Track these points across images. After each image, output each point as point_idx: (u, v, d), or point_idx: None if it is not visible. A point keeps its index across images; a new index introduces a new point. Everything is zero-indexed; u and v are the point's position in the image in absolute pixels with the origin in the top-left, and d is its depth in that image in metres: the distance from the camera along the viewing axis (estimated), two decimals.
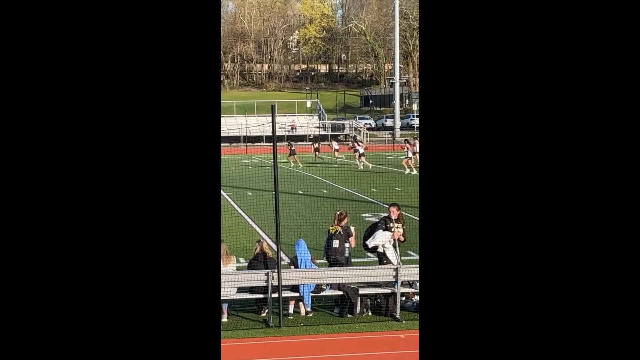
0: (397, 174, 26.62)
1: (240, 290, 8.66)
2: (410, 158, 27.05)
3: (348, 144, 30.40)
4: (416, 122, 51.47)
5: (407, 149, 27.70)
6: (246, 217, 16.35)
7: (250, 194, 20.50)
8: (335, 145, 34.44)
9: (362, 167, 29.27)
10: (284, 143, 37.34)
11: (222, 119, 52.81)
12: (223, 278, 8.48)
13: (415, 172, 25.58)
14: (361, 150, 30.15)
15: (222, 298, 8.50)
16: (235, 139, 45.66)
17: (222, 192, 21.20)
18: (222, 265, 8.67)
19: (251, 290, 8.65)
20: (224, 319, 8.47)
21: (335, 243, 9.03)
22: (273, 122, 8.46)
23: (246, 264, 9.81)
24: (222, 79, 75.88)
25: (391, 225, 9.05)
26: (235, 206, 18.25)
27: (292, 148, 31.98)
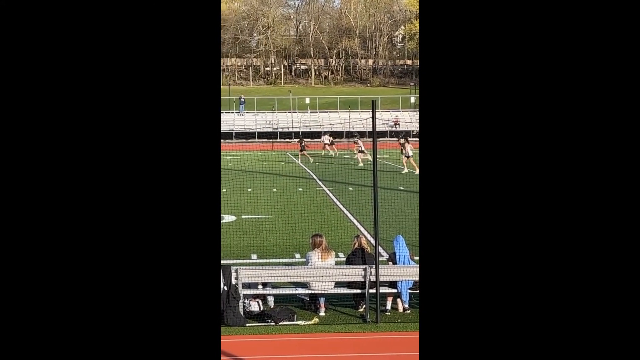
0: None
1: (338, 284, 8.71)
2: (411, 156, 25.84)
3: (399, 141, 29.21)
4: None
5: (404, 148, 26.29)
6: (346, 212, 16.42)
7: (351, 189, 20.57)
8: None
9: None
10: (386, 139, 36.94)
11: (325, 114, 53.04)
12: (321, 272, 8.57)
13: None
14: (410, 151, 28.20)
15: (320, 292, 8.60)
16: (338, 134, 46.00)
17: (323, 186, 21.42)
18: (320, 260, 8.76)
19: (349, 285, 8.68)
20: (322, 313, 8.56)
21: None
22: (373, 117, 8.46)
23: (344, 259, 9.86)
24: (326, 74, 76.58)
25: None
26: (336, 201, 18.38)
27: (303, 144, 31.96)
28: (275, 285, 8.82)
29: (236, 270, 8.47)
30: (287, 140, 41.04)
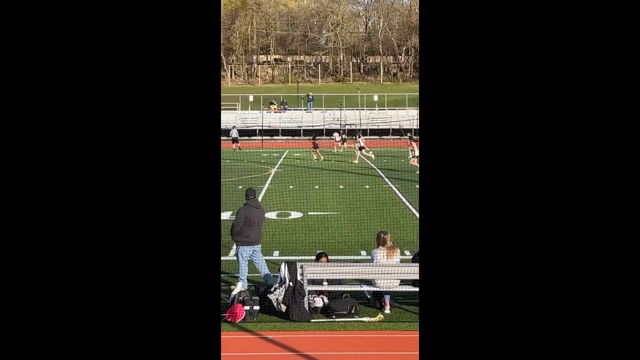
0: None
1: (404, 282, 8.67)
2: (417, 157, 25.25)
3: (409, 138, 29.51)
4: None
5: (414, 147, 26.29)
6: (413, 209, 16.29)
7: (418, 186, 20.35)
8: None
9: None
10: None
11: (394, 111, 52.59)
12: (386, 270, 8.55)
13: None
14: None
15: (385, 290, 8.57)
16: (407, 131, 45.72)
17: (390, 184, 21.32)
18: (386, 257, 8.74)
19: (414, 283, 8.62)
20: (387, 311, 8.54)
21: None
22: None
23: (410, 257, 9.79)
24: (395, 71, 76.01)
25: None
26: (403, 198, 18.26)
27: (316, 142, 32.28)
28: (340, 282, 8.85)
29: (302, 267, 8.55)
30: (351, 137, 41.05)
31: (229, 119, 46.64)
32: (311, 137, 35.13)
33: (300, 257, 10.75)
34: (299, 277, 8.49)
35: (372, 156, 30.11)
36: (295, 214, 15.72)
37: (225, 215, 15.05)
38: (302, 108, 53.47)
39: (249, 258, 9.46)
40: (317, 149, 31.90)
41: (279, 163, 29.78)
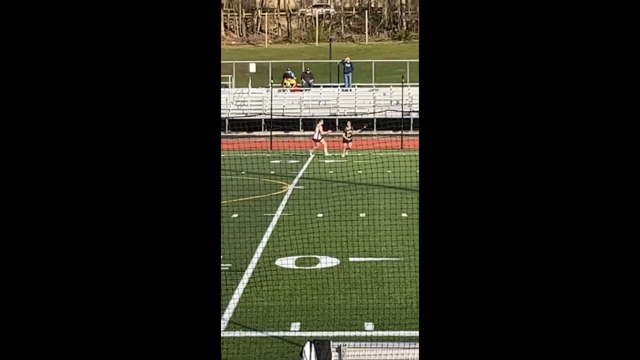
0: None
1: None
2: None
3: None
4: None
5: None
6: None
7: None
8: None
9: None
10: None
11: None
12: None
13: None
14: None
15: None
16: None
17: None
18: None
19: None
20: None
21: None
22: None
23: None
24: None
25: None
26: None
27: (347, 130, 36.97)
28: None
29: (339, 349, 8.56)
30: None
31: None
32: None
33: (336, 333, 10.76)
34: None
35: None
36: (327, 261, 15.69)
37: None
38: (338, 84, 53.16)
39: None
40: (349, 143, 32.42)
41: (300, 175, 29.72)
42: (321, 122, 39.96)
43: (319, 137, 37.95)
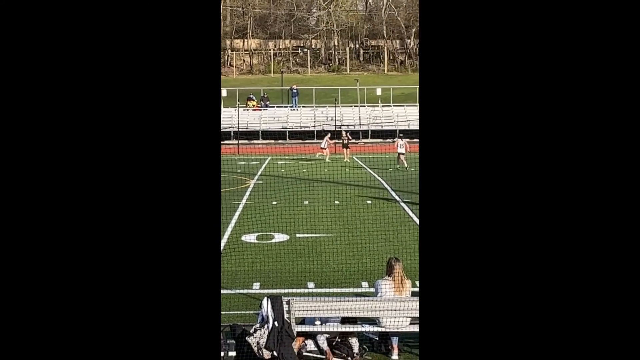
0: None
1: (415, 321, 8.64)
2: None
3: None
4: None
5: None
6: None
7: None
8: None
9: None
10: None
11: (401, 108, 52.58)
12: (393, 305, 8.52)
13: None
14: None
15: (392, 330, 8.54)
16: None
17: (397, 198, 21.35)
18: (393, 290, 8.72)
19: None
20: (394, 357, 8.50)
21: None
22: None
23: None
24: (402, 59, 76.37)
25: None
26: (414, 217, 18.29)
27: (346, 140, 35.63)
28: (335, 320, 8.82)
29: (288, 302, 8.51)
30: (355, 141, 41.39)
31: None
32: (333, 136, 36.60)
33: (286, 290, 10.73)
34: (285, 316, 8.45)
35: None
36: (279, 237, 15.71)
37: None
38: (287, 105, 53.58)
39: None
40: (348, 149, 32.86)
41: (260, 173, 29.83)
42: (329, 135, 39.25)
43: (325, 146, 37.89)
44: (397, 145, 33.14)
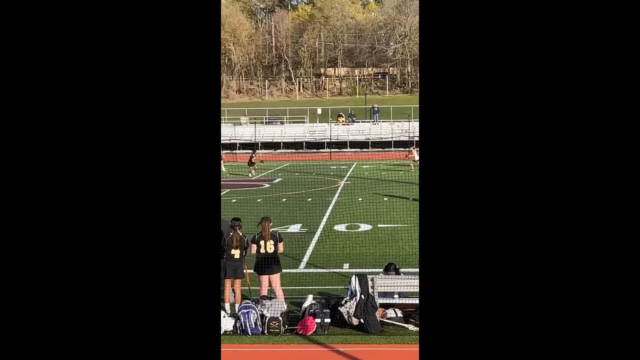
0: None
1: None
2: None
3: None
4: None
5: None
6: None
7: None
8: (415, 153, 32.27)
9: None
10: None
11: None
12: None
13: None
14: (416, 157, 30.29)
15: None
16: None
17: None
18: None
19: None
20: None
21: None
22: None
23: None
24: None
25: None
26: None
27: (253, 156, 32.03)
28: (410, 295, 8.80)
29: (372, 279, 8.55)
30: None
31: (297, 131, 47.29)
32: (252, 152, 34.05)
33: (370, 270, 10.75)
34: (370, 290, 8.49)
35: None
36: (364, 227, 15.71)
37: (295, 228, 15.21)
38: (370, 120, 53.55)
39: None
40: (254, 165, 31.62)
41: (348, 175, 29.84)
42: (414, 146, 37.56)
43: (414, 153, 37.37)
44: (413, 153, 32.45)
